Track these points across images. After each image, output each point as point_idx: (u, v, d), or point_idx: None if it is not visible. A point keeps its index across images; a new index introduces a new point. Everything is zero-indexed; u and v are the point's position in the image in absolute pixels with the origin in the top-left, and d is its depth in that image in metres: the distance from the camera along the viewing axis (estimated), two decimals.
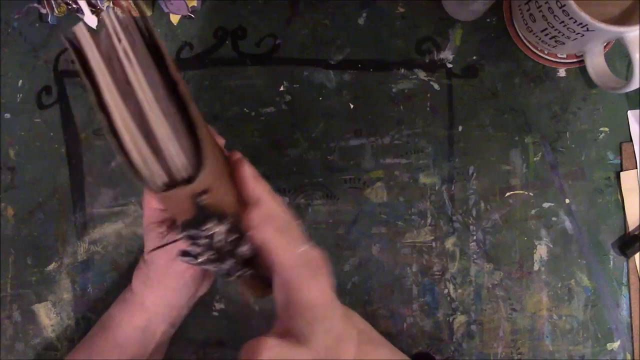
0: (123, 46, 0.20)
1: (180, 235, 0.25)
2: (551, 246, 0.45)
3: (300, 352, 0.26)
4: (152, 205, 0.34)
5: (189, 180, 0.21)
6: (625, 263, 0.45)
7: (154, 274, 0.36)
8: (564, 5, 0.38)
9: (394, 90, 0.47)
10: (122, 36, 0.21)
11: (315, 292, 0.27)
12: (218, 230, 0.25)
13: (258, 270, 0.30)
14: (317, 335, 0.27)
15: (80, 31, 0.20)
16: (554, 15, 0.39)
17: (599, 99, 0.46)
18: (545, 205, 0.46)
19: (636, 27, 0.38)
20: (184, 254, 0.26)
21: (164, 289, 0.36)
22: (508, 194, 0.46)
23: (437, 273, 0.46)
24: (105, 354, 0.38)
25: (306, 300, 0.27)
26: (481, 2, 0.44)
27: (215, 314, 0.46)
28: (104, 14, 0.21)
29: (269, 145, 0.47)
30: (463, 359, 0.45)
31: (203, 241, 0.25)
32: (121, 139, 0.20)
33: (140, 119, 0.21)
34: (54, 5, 0.47)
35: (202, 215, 0.24)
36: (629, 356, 0.44)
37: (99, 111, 0.21)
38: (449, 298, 0.45)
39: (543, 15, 0.41)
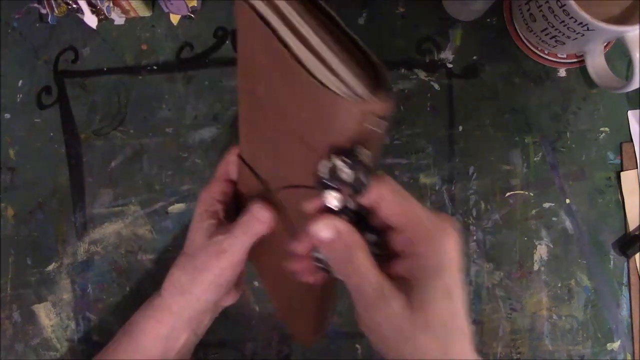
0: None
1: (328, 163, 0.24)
2: (551, 246, 0.45)
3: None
4: (212, 190, 0.33)
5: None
6: (625, 263, 0.45)
7: (189, 273, 0.35)
8: (565, 5, 0.38)
9: (394, 90, 0.47)
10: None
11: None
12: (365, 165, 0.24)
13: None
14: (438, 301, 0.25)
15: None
16: (555, 15, 0.39)
17: (599, 99, 0.46)
18: (546, 205, 0.46)
19: (636, 27, 0.38)
20: (325, 185, 0.24)
21: (195, 291, 0.35)
22: (508, 194, 0.46)
23: None
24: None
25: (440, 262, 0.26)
26: (481, 2, 0.44)
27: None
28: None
29: None
30: None
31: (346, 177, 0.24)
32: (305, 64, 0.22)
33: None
34: (54, 5, 0.47)
35: (354, 149, 0.23)
36: (629, 356, 0.44)
37: (281, 46, 0.22)
38: None
39: (543, 15, 0.41)
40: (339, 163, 0.23)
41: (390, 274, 0.27)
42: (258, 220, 0.32)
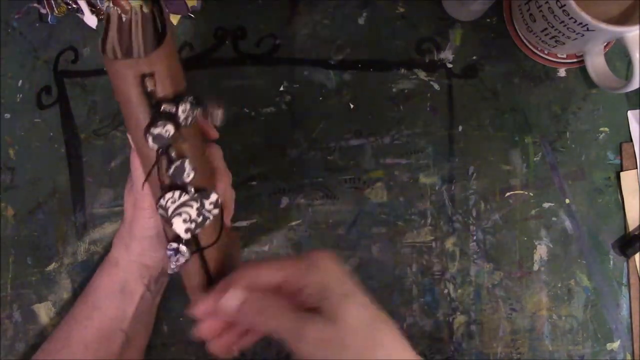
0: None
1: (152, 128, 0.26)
2: (551, 246, 0.45)
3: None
4: (137, 164, 0.34)
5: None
6: (625, 263, 0.45)
7: (127, 229, 0.37)
8: (564, 5, 0.38)
9: (394, 90, 0.47)
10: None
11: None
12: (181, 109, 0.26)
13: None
14: (350, 307, 0.28)
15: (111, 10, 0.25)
16: (554, 15, 0.39)
17: (599, 99, 0.46)
18: (545, 205, 0.46)
19: (636, 27, 0.38)
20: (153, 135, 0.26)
21: (135, 241, 0.37)
22: (508, 194, 0.46)
23: (437, 273, 0.46)
24: (86, 319, 0.38)
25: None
26: (481, 2, 0.44)
27: None
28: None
29: (269, 145, 0.47)
30: (463, 359, 0.45)
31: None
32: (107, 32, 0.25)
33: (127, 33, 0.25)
34: (54, 5, 0.47)
35: (156, 107, 0.25)
36: (629, 356, 0.44)
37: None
38: (448, 298, 0.45)
39: (543, 15, 0.41)
40: (155, 130, 0.25)
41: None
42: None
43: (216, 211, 0.31)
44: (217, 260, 0.33)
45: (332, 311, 0.28)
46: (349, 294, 0.29)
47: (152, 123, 0.25)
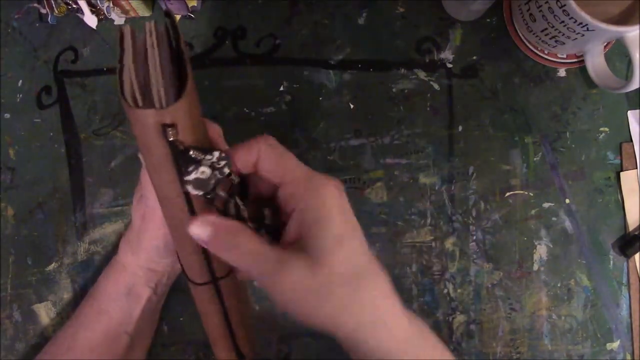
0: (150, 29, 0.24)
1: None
2: (551, 246, 0.45)
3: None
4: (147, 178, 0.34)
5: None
6: (625, 263, 0.45)
7: (135, 237, 0.37)
8: (564, 5, 0.38)
9: (394, 90, 0.47)
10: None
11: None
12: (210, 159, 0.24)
13: None
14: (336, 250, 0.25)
15: (125, 29, 0.24)
16: (554, 15, 0.39)
17: (599, 99, 0.46)
18: (545, 205, 0.46)
19: (636, 27, 0.38)
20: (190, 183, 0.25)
21: (143, 250, 0.37)
22: (508, 194, 0.46)
23: (437, 273, 0.46)
24: (92, 323, 0.38)
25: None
26: (481, 2, 0.44)
27: None
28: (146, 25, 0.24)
29: None
30: (462, 358, 0.45)
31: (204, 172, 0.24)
32: (123, 73, 0.23)
33: (144, 64, 0.23)
34: (54, 5, 0.47)
35: (180, 154, 0.24)
36: (628, 356, 0.45)
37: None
38: (448, 298, 0.45)
39: (543, 15, 0.41)
40: (191, 176, 0.24)
41: (288, 241, 0.27)
42: None
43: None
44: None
45: (320, 254, 0.25)
46: (344, 235, 0.26)
47: (185, 170, 0.24)
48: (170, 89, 0.23)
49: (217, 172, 0.25)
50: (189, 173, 0.24)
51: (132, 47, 0.23)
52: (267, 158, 0.27)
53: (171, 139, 0.23)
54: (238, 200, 0.27)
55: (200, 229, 0.25)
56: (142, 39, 0.24)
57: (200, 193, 0.25)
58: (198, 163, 0.24)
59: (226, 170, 0.25)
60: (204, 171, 0.24)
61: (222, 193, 0.26)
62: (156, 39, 0.23)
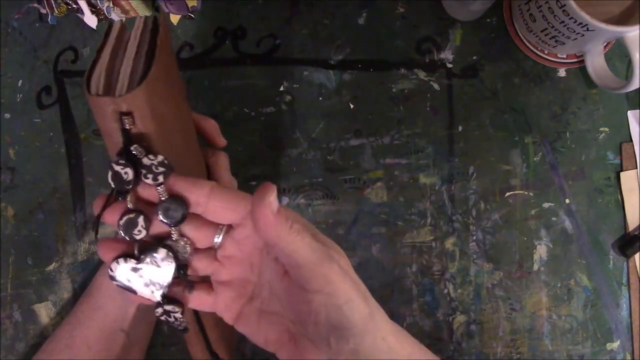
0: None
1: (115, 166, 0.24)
2: (551, 246, 0.45)
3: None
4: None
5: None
6: (625, 263, 0.45)
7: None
8: (564, 5, 0.38)
9: (394, 90, 0.47)
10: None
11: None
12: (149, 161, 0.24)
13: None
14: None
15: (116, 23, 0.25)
16: (554, 15, 0.39)
17: (599, 99, 0.46)
18: (545, 205, 0.46)
19: (636, 27, 0.38)
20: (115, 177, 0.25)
21: (108, 304, 0.38)
22: (508, 194, 0.46)
23: (437, 273, 0.46)
24: (88, 319, 0.38)
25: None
26: (481, 2, 0.44)
27: None
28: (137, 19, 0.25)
29: (269, 145, 0.47)
30: (462, 358, 0.45)
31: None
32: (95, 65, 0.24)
33: (122, 57, 0.25)
34: (54, 5, 0.47)
35: (127, 139, 0.24)
36: (628, 356, 0.45)
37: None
38: (448, 298, 0.45)
39: (543, 15, 0.41)
40: (115, 167, 0.24)
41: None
42: None
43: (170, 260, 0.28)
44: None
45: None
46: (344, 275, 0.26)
47: (117, 158, 0.24)
48: (136, 80, 0.24)
49: (150, 177, 0.24)
50: (120, 165, 0.24)
51: (116, 40, 0.24)
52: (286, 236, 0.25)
53: (127, 127, 0.24)
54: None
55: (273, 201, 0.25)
56: (129, 35, 0.25)
57: (112, 186, 0.25)
58: (132, 160, 0.24)
59: (160, 179, 0.25)
60: (127, 172, 0.24)
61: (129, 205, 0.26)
62: (140, 34, 0.24)
